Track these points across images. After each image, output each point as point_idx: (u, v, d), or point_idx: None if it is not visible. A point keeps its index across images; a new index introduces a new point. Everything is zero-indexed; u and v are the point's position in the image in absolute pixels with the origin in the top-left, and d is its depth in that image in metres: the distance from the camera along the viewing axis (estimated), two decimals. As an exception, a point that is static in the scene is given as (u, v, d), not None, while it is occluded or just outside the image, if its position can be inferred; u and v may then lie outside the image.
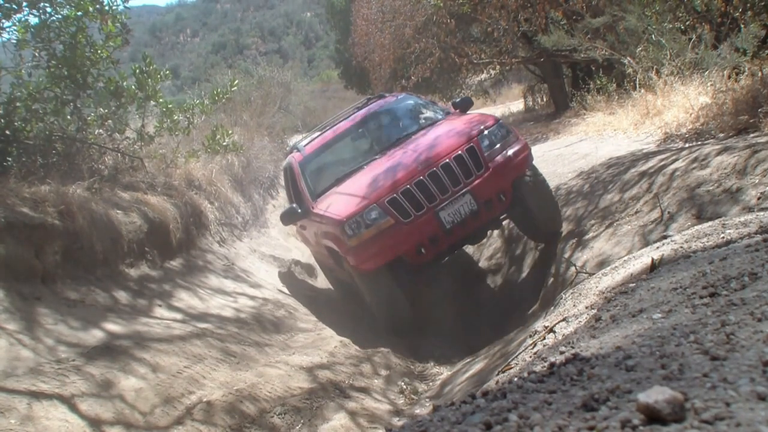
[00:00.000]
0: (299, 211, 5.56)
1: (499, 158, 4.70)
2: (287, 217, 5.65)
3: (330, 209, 4.89)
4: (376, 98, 6.57)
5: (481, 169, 4.66)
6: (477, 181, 4.63)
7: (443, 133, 5.03)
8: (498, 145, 4.74)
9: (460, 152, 4.65)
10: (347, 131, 6.08)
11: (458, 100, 5.96)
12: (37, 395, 2.91)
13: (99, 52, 5.90)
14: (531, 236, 5.50)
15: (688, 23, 8.75)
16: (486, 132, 4.79)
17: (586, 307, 2.48)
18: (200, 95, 10.08)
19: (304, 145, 6.23)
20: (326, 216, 4.87)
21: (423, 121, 5.84)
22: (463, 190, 4.59)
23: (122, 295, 4.57)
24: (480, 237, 5.57)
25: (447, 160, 4.63)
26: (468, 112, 5.84)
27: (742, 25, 7.50)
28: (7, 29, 5.64)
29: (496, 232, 6.18)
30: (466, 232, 4.77)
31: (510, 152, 4.74)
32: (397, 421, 3.58)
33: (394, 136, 5.68)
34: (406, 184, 4.57)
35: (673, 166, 4.66)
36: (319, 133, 6.43)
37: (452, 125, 5.17)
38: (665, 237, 3.62)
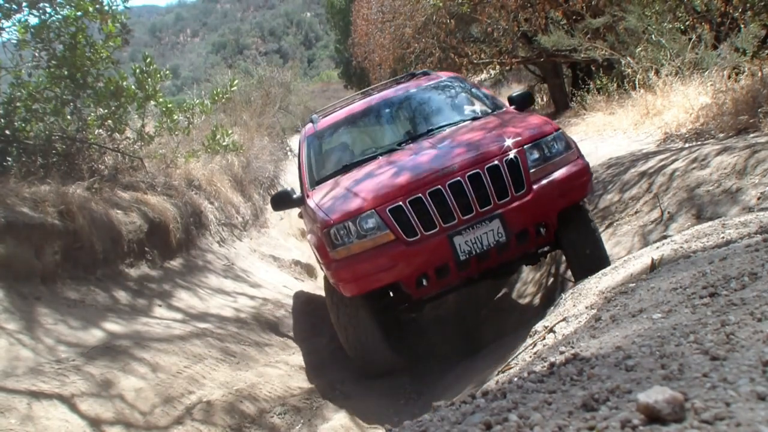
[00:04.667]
0: (294, 196, 4.50)
1: (548, 179, 3.63)
2: (278, 202, 4.55)
3: (322, 203, 3.93)
4: (420, 75, 5.55)
5: (521, 189, 3.58)
6: (513, 205, 3.55)
7: (485, 134, 3.96)
8: (551, 162, 3.67)
9: (497, 162, 3.57)
10: (371, 110, 5.06)
11: (516, 94, 4.79)
12: (37, 395, 2.91)
13: (99, 52, 5.90)
14: (573, 274, 4.22)
15: (688, 23, 8.75)
16: (537, 142, 3.70)
17: (586, 307, 2.48)
18: (200, 95, 10.08)
19: (320, 117, 5.34)
20: (316, 212, 3.91)
21: (467, 112, 4.71)
22: (492, 214, 3.53)
23: (122, 295, 4.57)
24: (506, 274, 4.61)
25: (478, 170, 3.56)
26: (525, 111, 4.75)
27: (742, 25, 7.51)
28: (7, 29, 5.65)
29: None
30: (487, 267, 3.78)
31: (564, 173, 3.65)
32: (397, 420, 3.58)
33: (426, 126, 4.62)
34: (418, 191, 3.55)
35: (672, 167, 4.66)
36: (342, 105, 5.52)
37: (499, 125, 4.09)
38: (665, 237, 3.62)
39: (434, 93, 5.07)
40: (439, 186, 3.54)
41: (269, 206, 10.17)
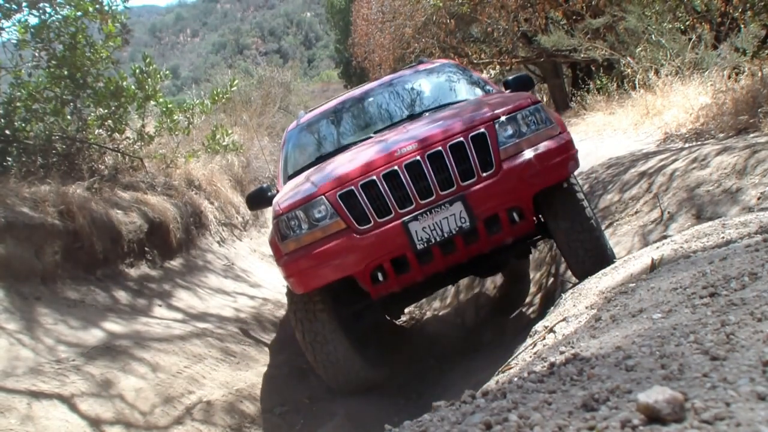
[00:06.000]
0: (269, 194, 4.12)
1: (521, 156, 3.22)
2: (253, 201, 4.21)
3: (281, 196, 3.66)
4: (416, 63, 5.31)
5: (489, 168, 3.19)
6: (477, 186, 3.16)
7: (458, 113, 3.62)
8: (526, 138, 3.27)
9: (461, 139, 3.21)
10: (354, 100, 4.82)
11: (511, 78, 4.41)
12: (37, 395, 2.91)
13: (99, 52, 5.90)
14: (569, 267, 3.80)
15: (688, 23, 8.76)
16: (512, 116, 3.31)
17: (586, 307, 2.48)
18: (200, 95, 10.09)
19: (306, 113, 5.16)
20: (273, 204, 3.66)
21: (454, 96, 4.38)
22: (453, 197, 3.15)
23: (122, 295, 4.57)
24: (490, 269, 4.27)
25: (439, 148, 3.19)
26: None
27: (742, 25, 7.51)
28: (7, 29, 5.66)
29: None
30: (456, 261, 3.39)
31: (540, 150, 3.24)
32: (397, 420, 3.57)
33: (405, 112, 4.33)
34: (371, 173, 3.19)
35: (672, 167, 4.66)
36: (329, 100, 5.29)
37: (479, 105, 3.70)
38: (665, 237, 3.62)
39: (422, 79, 4.80)
40: (395, 167, 3.18)
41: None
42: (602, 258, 3.44)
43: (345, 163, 3.47)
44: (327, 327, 3.45)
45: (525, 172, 3.20)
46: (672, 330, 1.38)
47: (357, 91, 4.99)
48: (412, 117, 4.11)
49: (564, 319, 2.53)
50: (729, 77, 6.64)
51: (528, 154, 3.23)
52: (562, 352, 1.77)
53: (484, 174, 3.19)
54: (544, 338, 2.52)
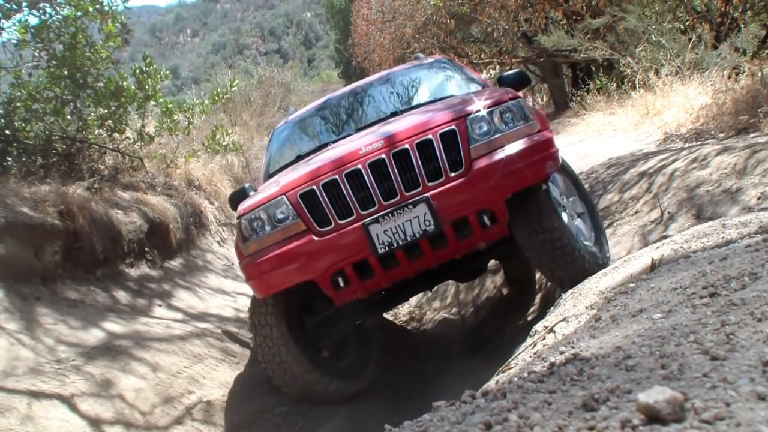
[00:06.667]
0: (250, 193, 3.92)
1: (494, 155, 2.99)
2: (234, 200, 4.03)
3: (252, 197, 3.52)
4: (414, 59, 5.16)
5: (458, 168, 2.99)
6: (444, 187, 2.95)
7: (434, 109, 3.44)
8: (501, 136, 3.04)
9: (430, 136, 3.00)
10: (340, 98, 4.66)
11: (506, 74, 4.14)
12: (37, 395, 2.91)
13: (99, 52, 5.90)
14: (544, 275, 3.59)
15: (687, 23, 8.77)
16: (486, 112, 3.07)
17: (586, 307, 2.48)
18: (200, 95, 10.09)
19: (295, 110, 5.01)
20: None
21: (439, 93, 4.18)
22: (418, 198, 2.95)
23: (122, 295, 4.57)
24: (468, 274, 4.01)
25: (405, 146, 3.00)
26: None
27: (742, 25, 7.51)
28: (7, 29, 5.66)
29: None
30: (424, 266, 3.18)
31: (517, 149, 3.00)
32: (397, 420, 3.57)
33: (389, 110, 4.10)
34: (334, 173, 3.03)
35: (672, 167, 4.66)
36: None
37: (457, 100, 3.54)
38: (665, 237, 3.62)
39: (412, 76, 4.59)
40: (359, 166, 3.01)
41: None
42: (576, 269, 3.19)
43: (312, 162, 3.34)
44: (276, 333, 3.28)
45: (497, 172, 2.97)
46: (672, 330, 1.38)
47: (345, 89, 4.85)
48: (395, 114, 3.90)
49: (564, 319, 2.53)
50: (729, 77, 6.64)
51: (502, 153, 3.00)
52: (562, 352, 1.77)
53: (453, 174, 2.98)
54: (544, 338, 2.52)
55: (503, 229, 3.15)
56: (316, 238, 3.01)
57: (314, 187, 3.04)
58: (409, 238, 2.95)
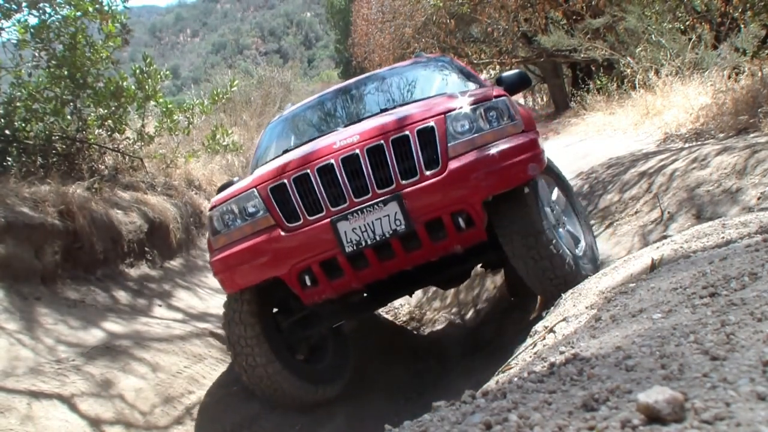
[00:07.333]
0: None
1: (472, 154, 2.86)
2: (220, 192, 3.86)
3: (226, 190, 3.45)
4: (416, 57, 5.10)
5: (434, 166, 2.86)
6: (418, 186, 2.83)
7: (418, 106, 3.32)
8: (482, 134, 2.91)
9: (406, 132, 2.89)
10: (335, 94, 4.59)
11: (505, 74, 3.98)
12: (37, 395, 2.91)
13: (99, 52, 5.91)
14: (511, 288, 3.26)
15: (687, 23, 8.77)
16: (468, 109, 2.95)
17: (586, 307, 2.48)
18: (200, 95, 10.10)
19: (291, 106, 4.99)
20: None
21: (432, 91, 4.09)
22: (390, 196, 2.83)
23: (122, 295, 4.58)
24: (450, 280, 3.89)
25: (380, 142, 2.88)
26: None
27: (742, 25, 7.52)
28: (7, 29, 5.66)
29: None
30: (397, 267, 3.04)
31: (498, 149, 2.87)
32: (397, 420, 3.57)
33: (377, 107, 4.00)
34: (306, 167, 2.93)
35: (672, 167, 4.66)
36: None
37: (441, 98, 3.40)
38: (665, 237, 3.62)
39: (408, 74, 4.48)
40: (331, 160, 2.90)
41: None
42: (562, 276, 3.04)
43: (288, 156, 3.26)
44: (249, 332, 3.19)
45: (475, 172, 2.84)
46: (672, 330, 1.38)
47: (340, 85, 4.81)
48: (385, 111, 3.72)
49: (564, 319, 2.53)
50: (729, 77, 6.64)
51: (482, 152, 2.87)
52: (562, 352, 1.77)
53: (429, 172, 2.85)
54: (544, 338, 2.52)
55: (480, 232, 3.02)
56: (283, 234, 2.91)
57: (285, 180, 2.94)
58: (378, 238, 2.83)
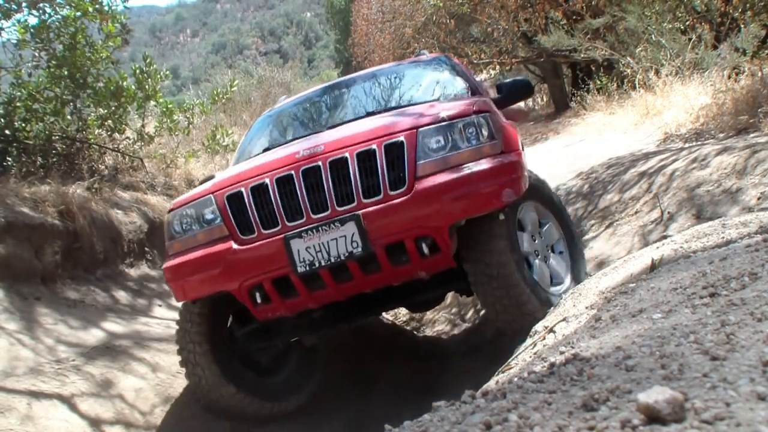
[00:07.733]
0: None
1: (442, 175, 2.63)
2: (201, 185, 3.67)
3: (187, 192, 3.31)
4: (418, 55, 4.85)
5: (400, 186, 2.64)
6: (380, 206, 2.61)
7: (397, 114, 3.12)
8: (456, 154, 2.68)
9: (373, 146, 2.66)
10: (327, 90, 4.39)
11: (506, 81, 3.77)
12: (37, 395, 2.91)
13: (99, 52, 5.91)
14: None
15: (687, 23, 8.77)
16: (443, 124, 2.72)
17: (586, 307, 2.48)
18: (200, 95, 10.10)
19: (284, 98, 4.79)
20: None
21: (422, 96, 3.85)
22: (348, 215, 2.61)
23: (122, 295, 4.58)
24: (420, 304, 3.67)
25: (345, 155, 2.67)
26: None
27: (742, 25, 7.52)
28: (7, 29, 5.67)
29: None
30: (356, 290, 2.84)
31: (473, 170, 2.63)
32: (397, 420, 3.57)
33: (363, 110, 3.81)
34: (264, 176, 2.75)
35: (672, 167, 4.66)
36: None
37: (421, 108, 3.17)
38: (665, 237, 3.62)
39: (403, 74, 4.25)
40: (291, 171, 2.70)
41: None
42: (522, 314, 2.83)
43: (255, 161, 3.09)
44: (195, 338, 3.08)
45: (443, 195, 2.61)
46: (672, 330, 1.38)
47: (331, 82, 4.63)
48: (370, 114, 3.56)
49: (564, 319, 2.53)
50: (729, 77, 6.64)
51: (453, 173, 2.63)
52: (562, 352, 1.77)
53: (393, 192, 2.62)
54: (544, 338, 2.52)
55: (447, 259, 2.79)
56: (235, 246, 2.73)
57: (242, 189, 2.76)
58: (333, 260, 2.62)
